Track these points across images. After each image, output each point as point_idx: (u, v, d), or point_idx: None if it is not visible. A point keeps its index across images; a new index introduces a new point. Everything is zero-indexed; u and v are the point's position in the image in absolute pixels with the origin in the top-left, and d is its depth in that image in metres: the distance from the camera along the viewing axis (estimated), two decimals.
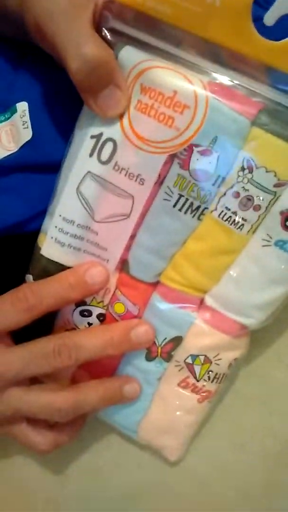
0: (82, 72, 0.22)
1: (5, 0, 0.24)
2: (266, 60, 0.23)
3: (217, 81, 0.23)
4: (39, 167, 0.27)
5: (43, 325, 0.28)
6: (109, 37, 0.23)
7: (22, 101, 0.27)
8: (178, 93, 0.23)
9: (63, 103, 0.27)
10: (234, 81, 0.23)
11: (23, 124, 0.27)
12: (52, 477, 0.35)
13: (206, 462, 0.34)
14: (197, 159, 0.24)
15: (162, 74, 0.23)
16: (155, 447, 0.32)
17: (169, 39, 0.24)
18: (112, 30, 0.23)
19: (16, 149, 0.27)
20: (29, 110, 0.27)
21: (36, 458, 0.35)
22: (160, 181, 0.25)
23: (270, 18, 0.22)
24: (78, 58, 0.22)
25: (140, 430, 0.31)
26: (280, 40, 0.22)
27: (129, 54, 0.23)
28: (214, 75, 0.23)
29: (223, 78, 0.23)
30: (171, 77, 0.23)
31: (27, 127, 0.27)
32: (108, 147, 0.24)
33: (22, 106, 0.27)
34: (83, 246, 0.26)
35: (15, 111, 0.27)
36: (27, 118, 0.27)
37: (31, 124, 0.27)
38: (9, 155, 0.27)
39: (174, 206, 0.25)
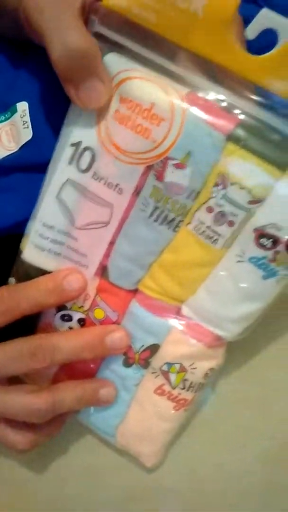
0: (63, 61, 0.22)
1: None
2: (246, 74, 0.22)
3: (196, 94, 0.23)
4: (40, 167, 0.28)
5: (26, 327, 0.29)
6: None
7: (22, 101, 0.28)
8: (155, 105, 0.23)
9: (63, 103, 0.27)
10: (213, 93, 0.23)
11: (24, 124, 0.28)
12: (52, 477, 0.35)
13: (206, 462, 0.35)
14: (172, 172, 0.24)
15: (141, 85, 0.23)
16: (132, 453, 0.32)
17: (156, 48, 0.24)
18: (97, 35, 0.23)
19: (17, 149, 0.28)
20: (29, 110, 0.27)
21: (36, 458, 0.35)
22: (138, 191, 0.25)
23: (251, 31, 0.22)
24: (61, 46, 0.22)
25: (118, 435, 0.32)
26: (260, 54, 0.22)
27: (111, 62, 0.23)
28: (195, 87, 0.23)
29: (203, 90, 0.23)
30: (149, 89, 0.23)
31: (27, 127, 0.27)
32: (87, 156, 0.25)
33: (23, 106, 0.28)
34: (63, 252, 0.27)
35: (15, 111, 0.28)
36: (27, 118, 0.27)
37: (32, 124, 0.27)
38: (9, 154, 0.28)
39: (150, 216, 0.25)
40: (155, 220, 0.25)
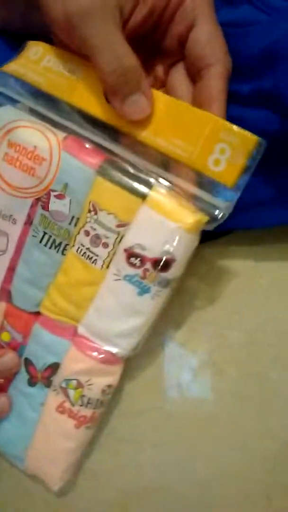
0: (115, 75, 0.24)
1: None
2: (112, 121, 0.27)
3: (71, 137, 0.28)
4: None
5: None
6: None
7: None
8: (38, 148, 0.27)
9: None
10: (86, 136, 0.28)
11: None
12: None
13: (206, 462, 0.34)
14: (54, 202, 0.28)
15: (26, 132, 0.28)
16: (39, 477, 0.33)
17: (44, 102, 0.28)
18: None
19: None
20: None
21: None
22: (30, 221, 0.29)
23: None
24: (114, 61, 0.23)
25: (27, 459, 0.33)
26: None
27: (3, 113, 0.28)
28: (72, 132, 0.28)
29: (78, 134, 0.28)
30: (32, 135, 0.28)
31: None
32: None
33: None
34: None
35: None
36: None
37: None
38: None
39: (40, 242, 0.29)
40: (45, 245, 0.29)
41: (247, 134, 0.24)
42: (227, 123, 0.25)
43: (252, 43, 0.27)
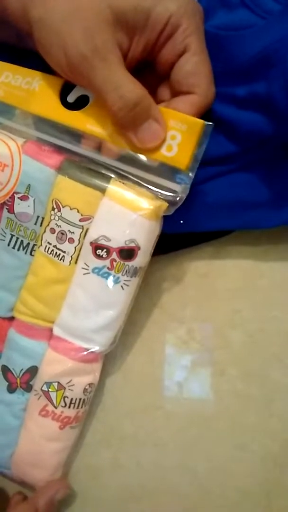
0: (123, 112, 0.25)
1: (6, 4, 0.25)
2: (69, 123, 0.28)
3: (31, 142, 0.29)
4: None
5: None
6: None
7: None
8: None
9: None
10: (46, 139, 0.29)
11: None
12: None
13: (206, 462, 0.34)
14: (19, 204, 0.29)
15: None
16: (28, 482, 0.33)
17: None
18: None
19: None
20: None
21: None
22: None
23: (71, 97, 0.28)
24: (119, 100, 0.24)
25: (13, 466, 0.33)
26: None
27: None
28: (32, 137, 0.29)
29: (38, 139, 0.29)
30: None
31: None
32: None
33: None
34: None
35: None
36: None
37: None
38: None
39: (9, 244, 0.30)
40: (13, 247, 0.30)
41: (193, 119, 0.26)
42: (175, 112, 0.26)
43: (247, 46, 0.28)
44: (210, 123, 0.26)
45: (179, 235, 0.34)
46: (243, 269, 0.36)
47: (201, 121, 0.26)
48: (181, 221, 0.32)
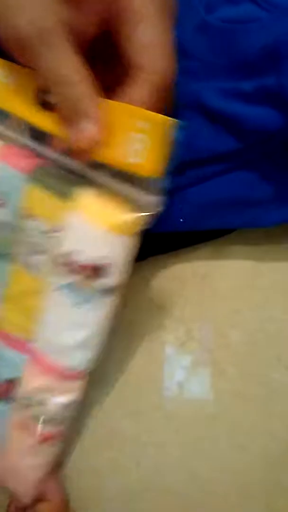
0: (65, 107, 0.23)
1: None
2: (43, 125, 0.26)
3: (5, 145, 0.27)
4: None
5: None
6: None
7: None
8: None
9: None
10: (20, 143, 0.27)
11: None
12: None
13: (206, 463, 0.34)
14: None
15: None
16: (10, 489, 0.33)
17: None
18: None
19: None
20: None
21: None
22: None
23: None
24: (59, 94, 0.23)
25: None
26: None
27: None
28: (5, 138, 0.27)
29: (12, 142, 0.27)
30: None
31: None
32: None
33: None
34: None
35: None
36: None
37: None
38: None
39: None
40: None
41: (156, 116, 0.22)
42: (135, 108, 0.23)
43: (253, 40, 0.27)
44: (175, 119, 0.22)
45: (178, 234, 0.34)
46: (243, 269, 0.36)
47: (165, 117, 0.22)
48: (181, 220, 0.32)
